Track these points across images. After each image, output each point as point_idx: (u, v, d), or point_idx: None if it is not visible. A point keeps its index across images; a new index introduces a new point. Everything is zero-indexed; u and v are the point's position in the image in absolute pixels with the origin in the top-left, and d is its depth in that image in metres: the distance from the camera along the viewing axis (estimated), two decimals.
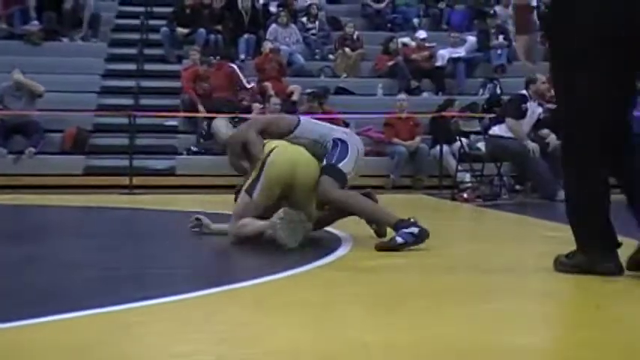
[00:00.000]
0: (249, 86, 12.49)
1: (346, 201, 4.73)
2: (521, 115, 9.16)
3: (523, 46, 3.53)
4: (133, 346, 2.39)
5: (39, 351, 2.34)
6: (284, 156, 4.74)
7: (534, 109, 9.32)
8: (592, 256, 3.54)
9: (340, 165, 4.74)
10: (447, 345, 2.42)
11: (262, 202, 4.73)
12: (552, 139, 9.45)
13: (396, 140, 11.69)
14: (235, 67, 12.52)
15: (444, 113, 11.40)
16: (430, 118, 12.03)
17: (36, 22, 13.98)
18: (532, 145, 9.08)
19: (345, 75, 13.83)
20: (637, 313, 2.99)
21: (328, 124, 5.16)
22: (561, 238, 5.40)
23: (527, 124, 9.23)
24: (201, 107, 12.08)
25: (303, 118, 5.20)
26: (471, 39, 14.39)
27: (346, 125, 12.05)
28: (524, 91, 9.36)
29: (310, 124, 5.02)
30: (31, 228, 6.58)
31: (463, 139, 9.93)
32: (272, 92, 12.37)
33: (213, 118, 11.89)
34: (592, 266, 3.52)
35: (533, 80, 9.32)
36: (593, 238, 3.56)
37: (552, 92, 10.71)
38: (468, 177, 10.23)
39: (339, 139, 4.85)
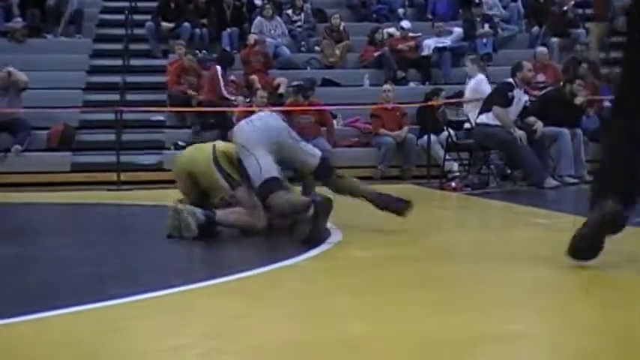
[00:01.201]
0: (230, 97, 11.99)
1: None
2: (507, 103, 9.16)
3: (598, 34, 3.59)
4: (124, 342, 2.39)
5: (30, 347, 2.34)
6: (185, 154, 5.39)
7: (520, 97, 9.32)
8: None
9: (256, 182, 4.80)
10: (435, 336, 2.42)
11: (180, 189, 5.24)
12: (539, 126, 9.46)
13: (382, 131, 11.69)
14: (218, 70, 12.16)
15: (430, 102, 11.41)
16: (418, 107, 12.03)
17: (19, 19, 13.90)
18: (519, 133, 9.07)
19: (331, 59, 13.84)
20: (624, 298, 3.01)
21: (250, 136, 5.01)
22: (549, 225, 5.43)
23: (513, 112, 9.23)
24: (194, 101, 12.01)
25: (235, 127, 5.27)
26: (457, 30, 14.37)
27: (333, 117, 12.08)
28: (510, 79, 9.36)
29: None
30: (18, 226, 6.56)
31: (450, 129, 9.96)
32: (258, 85, 12.33)
33: (201, 112, 11.97)
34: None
35: (519, 67, 9.32)
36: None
37: (537, 79, 10.81)
38: (455, 166, 10.25)
39: (239, 159, 4.94)
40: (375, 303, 2.94)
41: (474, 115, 9.73)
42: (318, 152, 5.12)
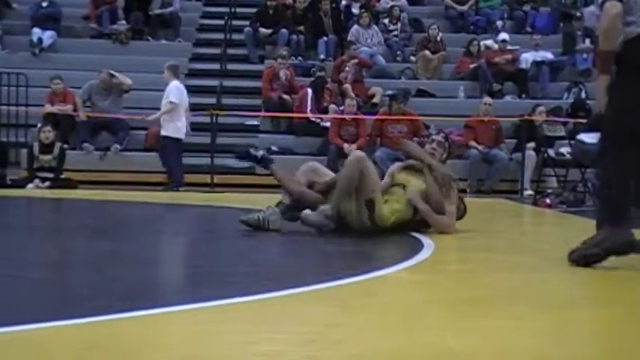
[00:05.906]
0: (313, 119, 12.13)
1: None
2: None
3: (604, 86, 3.77)
4: (217, 345, 2.39)
5: (121, 345, 2.36)
6: None
7: None
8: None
9: None
10: (531, 354, 2.36)
11: None
12: None
13: (472, 143, 11.52)
14: (309, 93, 12.24)
15: (531, 117, 11.17)
16: (518, 121, 11.78)
17: (123, 22, 14.29)
18: None
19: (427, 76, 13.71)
20: None
21: None
22: None
23: None
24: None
25: None
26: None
27: (427, 127, 11.98)
28: None
29: None
30: (115, 223, 6.72)
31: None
32: (352, 94, 12.32)
33: (294, 118, 12.06)
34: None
35: None
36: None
37: None
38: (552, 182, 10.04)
39: None
40: (471, 317, 2.88)
41: (165, 123, 10.26)
42: None
